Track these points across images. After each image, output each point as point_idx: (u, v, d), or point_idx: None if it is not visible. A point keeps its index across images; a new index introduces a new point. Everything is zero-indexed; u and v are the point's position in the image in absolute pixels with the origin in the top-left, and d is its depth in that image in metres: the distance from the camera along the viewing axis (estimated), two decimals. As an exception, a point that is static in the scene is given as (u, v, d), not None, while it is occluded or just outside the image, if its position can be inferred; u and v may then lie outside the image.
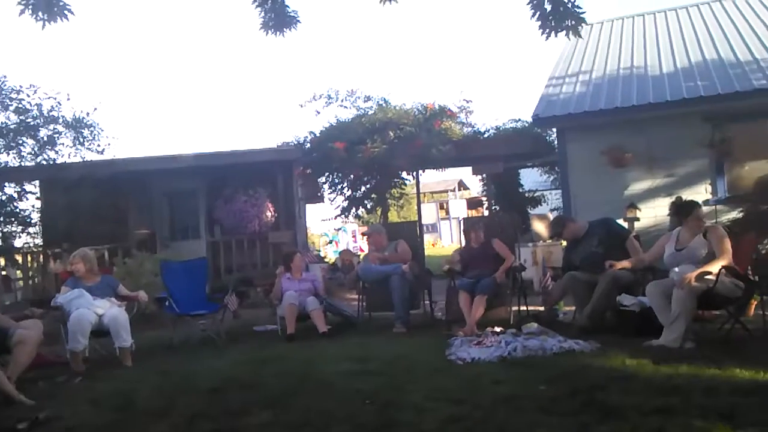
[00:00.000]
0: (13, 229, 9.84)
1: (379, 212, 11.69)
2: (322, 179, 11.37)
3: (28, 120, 9.61)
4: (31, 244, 10.62)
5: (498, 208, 11.50)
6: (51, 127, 9.87)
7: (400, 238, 6.78)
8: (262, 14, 4.88)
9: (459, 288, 5.73)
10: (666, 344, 4.29)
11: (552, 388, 3.56)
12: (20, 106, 9.55)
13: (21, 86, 9.62)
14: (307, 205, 14.36)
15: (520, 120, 10.83)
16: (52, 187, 10.25)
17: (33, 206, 10.34)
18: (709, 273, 4.36)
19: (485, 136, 10.66)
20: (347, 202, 11.34)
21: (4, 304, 7.64)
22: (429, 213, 35.26)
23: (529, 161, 11.10)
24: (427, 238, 28.97)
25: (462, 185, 41.01)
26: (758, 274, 4.83)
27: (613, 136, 7.62)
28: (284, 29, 4.94)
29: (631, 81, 8.37)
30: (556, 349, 4.56)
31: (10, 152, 9.59)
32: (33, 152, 9.75)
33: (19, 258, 9.63)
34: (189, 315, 6.10)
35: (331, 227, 21.98)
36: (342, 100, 11.07)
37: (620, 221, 6.61)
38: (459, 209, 37.47)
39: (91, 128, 10.28)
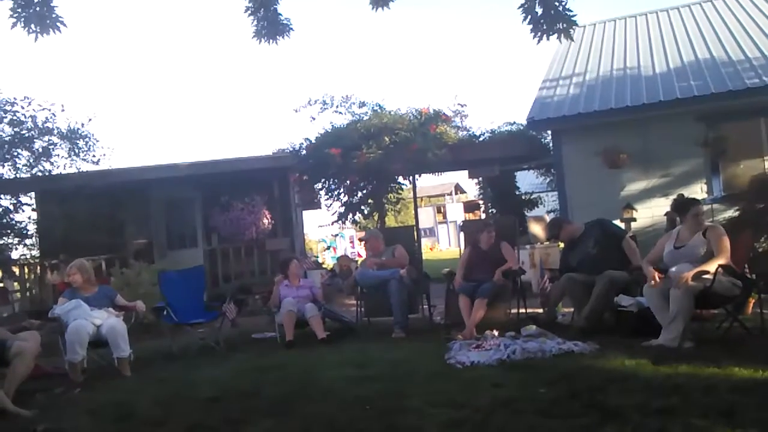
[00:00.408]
0: (10, 241, 9.85)
1: (376, 217, 11.70)
2: (319, 185, 11.38)
3: (23, 132, 9.63)
4: (28, 256, 10.62)
5: (495, 211, 11.52)
6: (46, 138, 9.90)
7: (398, 243, 6.78)
8: (255, 23, 4.91)
9: (459, 291, 5.72)
10: (665, 344, 4.30)
11: (552, 390, 3.56)
12: (15, 118, 9.58)
13: (15, 98, 9.67)
14: (304, 211, 14.37)
15: (515, 123, 10.87)
16: (48, 199, 10.26)
17: (29, 218, 10.35)
18: (707, 272, 4.38)
19: (480, 139, 10.69)
20: (344, 207, 11.34)
21: (1, 316, 7.62)
22: (426, 217, 35.30)
23: (525, 164, 11.12)
24: (425, 243, 28.99)
25: (459, 189, 41.04)
26: (755, 273, 4.84)
27: (608, 137, 7.65)
28: (277, 37, 4.97)
29: (625, 82, 8.41)
30: (555, 351, 4.56)
31: (6, 164, 9.62)
32: (28, 164, 9.77)
33: (16, 270, 9.62)
34: (187, 324, 6.09)
35: (329, 233, 22.00)
36: (337, 106, 11.10)
37: (617, 222, 6.62)
38: (456, 213, 37.52)
39: (86, 139, 10.32)
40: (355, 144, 9.78)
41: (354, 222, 12.36)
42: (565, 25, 4.42)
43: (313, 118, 11.21)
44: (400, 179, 11.72)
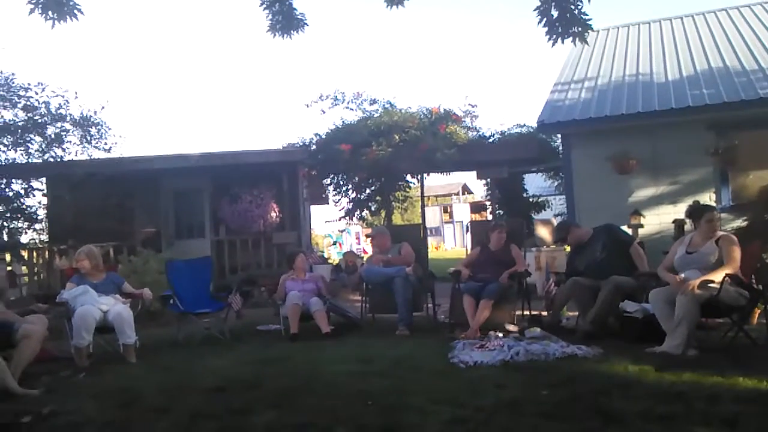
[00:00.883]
0: (20, 225, 9.90)
1: (383, 215, 11.73)
2: (327, 181, 11.42)
3: (36, 117, 9.67)
4: (37, 241, 10.68)
5: (502, 212, 11.52)
6: (58, 125, 9.93)
7: (404, 241, 6.80)
8: (270, 17, 4.93)
9: (464, 291, 5.73)
10: (669, 350, 4.30)
11: (554, 392, 3.58)
12: (28, 103, 9.62)
13: (29, 84, 9.71)
14: (311, 206, 14.40)
15: (525, 125, 10.85)
16: (58, 185, 10.32)
17: (39, 203, 10.41)
18: (713, 281, 4.38)
19: (490, 140, 10.68)
20: (352, 203, 11.38)
21: (9, 300, 7.68)
22: (433, 216, 35.24)
23: (534, 166, 11.10)
24: (431, 241, 28.96)
25: (466, 189, 41.00)
26: (762, 283, 4.83)
27: (618, 142, 7.62)
28: (291, 31, 4.98)
29: (637, 88, 8.37)
30: (559, 354, 4.57)
31: (18, 149, 9.66)
32: (40, 149, 9.81)
33: (24, 254, 9.68)
34: (193, 313, 6.13)
35: (336, 228, 22.02)
36: (348, 103, 11.13)
37: (624, 227, 6.61)
38: (462, 213, 37.46)
39: (99, 126, 10.35)
40: (365, 141, 9.79)
41: (361, 218, 12.40)
42: (580, 29, 4.41)
43: (323, 112, 11.25)
44: (408, 178, 11.74)
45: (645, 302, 4.91)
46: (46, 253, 10.14)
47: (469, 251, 6.74)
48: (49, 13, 4.36)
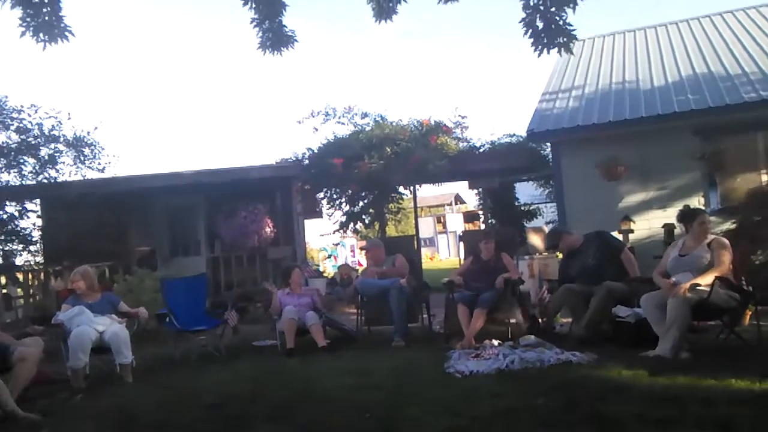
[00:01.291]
0: (14, 247, 9.87)
1: (377, 227, 11.76)
2: (321, 195, 11.45)
3: (29, 139, 9.67)
4: (32, 262, 10.63)
5: (494, 221, 11.58)
6: (52, 146, 9.92)
7: (398, 252, 6.83)
8: (260, 34, 4.97)
9: (458, 301, 5.76)
10: (662, 354, 4.33)
11: (550, 400, 3.60)
12: (21, 125, 9.62)
13: (22, 106, 9.70)
14: (305, 220, 14.43)
15: (514, 135, 10.94)
16: (52, 206, 10.29)
17: (34, 224, 10.37)
18: (705, 285, 4.43)
19: (481, 151, 10.77)
20: (345, 217, 11.41)
21: (5, 322, 7.65)
22: (426, 227, 35.30)
23: (525, 175, 11.17)
24: (425, 252, 28.98)
25: (458, 199, 41.10)
26: (752, 285, 4.88)
27: (607, 149, 7.71)
28: (282, 48, 5.03)
29: (623, 95, 8.48)
30: (554, 361, 4.61)
31: (12, 171, 9.63)
32: (34, 171, 9.79)
33: (20, 276, 9.64)
34: (189, 331, 6.12)
35: (330, 242, 22.00)
36: (339, 117, 11.20)
37: (615, 233, 6.67)
38: (456, 223, 37.53)
39: (92, 147, 10.34)
40: (357, 154, 9.86)
41: (355, 231, 12.42)
42: (565, 39, 4.48)
43: (316, 129, 11.32)
44: (401, 189, 11.80)
45: (637, 307, 4.94)
46: (42, 274, 10.10)
47: (462, 261, 6.77)
48: (41, 35, 4.39)
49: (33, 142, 9.69)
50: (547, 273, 7.85)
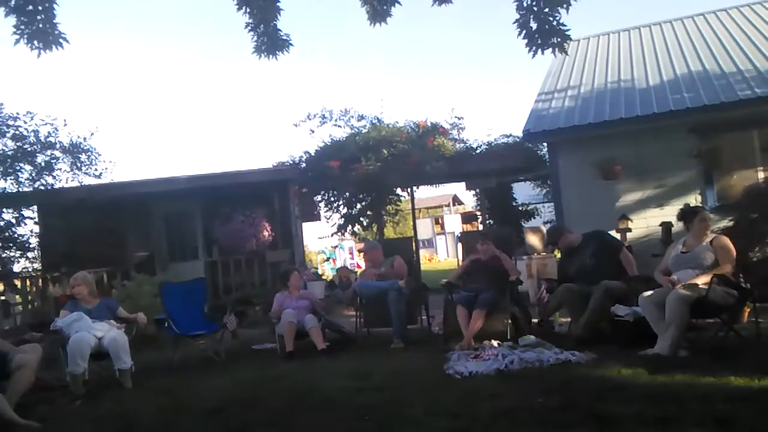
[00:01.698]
0: (12, 254, 9.87)
1: (375, 229, 11.77)
2: (318, 197, 11.47)
3: (26, 146, 9.68)
4: (30, 269, 10.63)
5: (492, 222, 11.59)
6: (48, 152, 9.95)
7: (396, 254, 6.83)
8: (255, 38, 4.98)
9: (456, 302, 5.75)
10: (660, 352, 4.34)
11: (550, 399, 3.60)
12: (17, 132, 9.63)
13: (18, 113, 9.72)
14: (303, 223, 14.44)
15: (511, 135, 10.98)
16: (50, 212, 10.29)
17: (31, 231, 10.38)
18: (703, 283, 4.44)
19: (477, 151, 10.80)
20: (343, 219, 11.43)
21: (3, 329, 7.64)
22: (424, 228, 35.33)
23: (522, 175, 11.21)
24: (423, 253, 28.98)
25: (456, 200, 41.19)
26: (750, 282, 4.90)
27: (603, 148, 7.73)
28: (277, 52, 5.04)
29: (619, 94, 8.50)
30: (553, 361, 4.61)
31: (8, 178, 9.65)
32: (31, 178, 9.80)
33: (18, 283, 9.63)
34: (188, 335, 6.11)
35: (328, 244, 22.03)
36: (336, 120, 11.25)
37: (612, 232, 6.68)
38: (454, 224, 37.58)
39: (89, 153, 10.36)
40: (354, 156, 9.88)
41: (353, 233, 12.44)
42: (559, 40, 4.49)
43: (312, 131, 11.36)
44: (399, 191, 11.82)
45: (635, 306, 4.95)
46: (40, 281, 10.09)
47: (461, 262, 6.76)
48: (35, 42, 4.39)
49: (29, 149, 9.70)
50: (545, 273, 7.86)
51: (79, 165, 10.27)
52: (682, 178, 7.64)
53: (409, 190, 11.84)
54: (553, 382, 4.01)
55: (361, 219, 11.51)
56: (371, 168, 9.63)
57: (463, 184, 11.78)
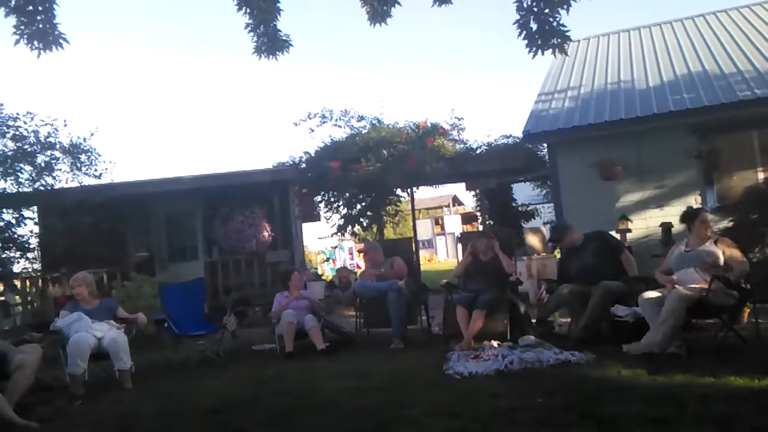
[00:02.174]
0: (12, 254, 9.87)
1: (374, 229, 11.78)
2: (318, 198, 11.48)
3: (26, 147, 9.69)
4: (30, 269, 10.63)
5: (492, 222, 11.60)
6: (48, 153, 9.96)
7: (396, 255, 6.83)
8: (255, 39, 4.99)
9: (456, 302, 5.75)
10: (649, 346, 4.32)
11: (549, 400, 3.61)
12: (17, 133, 9.64)
13: (18, 113, 9.74)
14: (303, 223, 14.45)
15: (511, 136, 11.00)
16: (50, 213, 10.29)
17: (31, 231, 10.38)
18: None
19: (477, 152, 10.81)
20: (343, 220, 11.44)
21: (3, 330, 7.64)
22: (424, 229, 35.32)
23: (522, 176, 11.21)
24: (423, 254, 28.99)
25: (456, 201, 41.20)
26: (750, 282, 4.90)
27: (603, 149, 7.73)
28: (277, 53, 5.05)
29: (619, 95, 8.51)
30: (553, 361, 4.61)
31: (8, 179, 9.66)
32: (31, 178, 9.81)
33: (17, 283, 9.63)
34: (188, 336, 6.11)
35: (328, 245, 22.04)
36: (336, 120, 11.25)
37: (612, 233, 6.69)
38: (454, 225, 37.60)
39: (89, 153, 10.37)
40: (354, 157, 9.88)
41: (353, 234, 12.45)
42: (559, 40, 4.50)
43: (312, 130, 11.36)
44: (399, 191, 11.82)
45: (635, 306, 4.95)
46: (39, 281, 10.10)
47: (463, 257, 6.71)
48: (35, 43, 4.39)
49: (29, 150, 9.71)
50: (545, 273, 7.86)
51: (79, 165, 10.29)
52: (682, 179, 7.64)
53: (408, 190, 11.84)
54: (553, 382, 4.01)
55: (361, 219, 11.51)
56: (371, 168, 9.63)
57: (463, 185, 11.80)
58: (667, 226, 7.07)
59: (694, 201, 7.45)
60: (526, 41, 4.51)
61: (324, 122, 11.25)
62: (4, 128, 9.57)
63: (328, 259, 22.03)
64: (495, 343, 5.27)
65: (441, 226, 39.40)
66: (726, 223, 6.60)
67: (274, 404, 4.05)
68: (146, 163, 70.67)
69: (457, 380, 4.38)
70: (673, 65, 9.08)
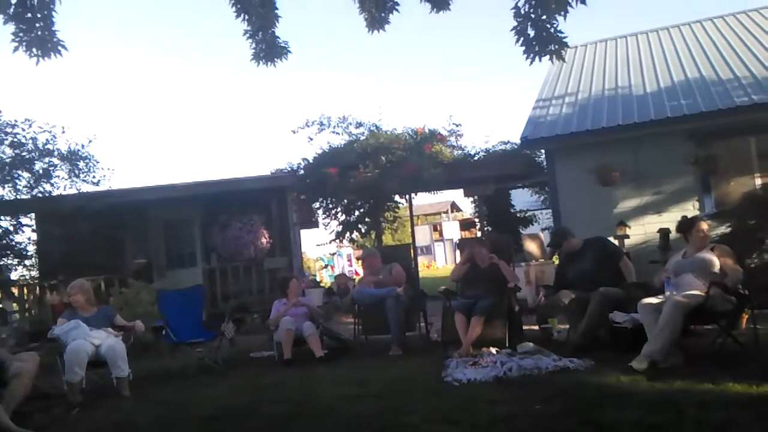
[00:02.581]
0: (9, 261, 9.85)
1: (373, 236, 11.77)
2: (316, 204, 11.48)
3: (24, 153, 9.70)
4: (27, 277, 10.62)
5: (490, 228, 11.60)
6: (46, 160, 9.97)
7: (395, 261, 6.83)
8: (254, 45, 4.99)
9: (455, 309, 5.74)
10: (650, 355, 4.30)
11: (548, 406, 3.60)
12: (15, 140, 9.65)
13: (16, 120, 9.75)
14: (302, 230, 14.44)
15: (509, 142, 11.01)
16: (47, 220, 10.29)
17: (29, 239, 10.37)
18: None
19: (475, 158, 10.82)
20: (341, 226, 11.43)
21: (1, 338, 7.60)
22: (423, 235, 35.32)
23: (520, 182, 11.23)
24: (422, 260, 28.98)
25: (454, 207, 41.22)
26: (748, 288, 4.90)
27: (601, 155, 7.75)
28: (275, 59, 5.05)
29: (616, 101, 8.54)
30: (551, 368, 4.60)
31: (6, 186, 9.66)
32: (29, 185, 9.82)
33: (15, 290, 9.61)
34: (186, 343, 6.10)
35: (327, 252, 21.99)
36: (334, 127, 11.25)
37: (610, 239, 6.69)
38: (452, 231, 37.60)
39: (87, 160, 10.38)
40: (352, 163, 9.89)
41: (351, 240, 12.44)
42: (556, 47, 4.50)
43: (311, 138, 11.36)
44: (397, 198, 11.83)
45: (633, 312, 4.95)
46: (37, 288, 10.07)
47: (460, 260, 6.69)
48: (33, 50, 4.38)
49: (27, 157, 9.72)
50: (543, 279, 7.86)
51: (77, 172, 10.29)
52: (679, 185, 7.65)
53: (407, 196, 11.84)
54: (552, 389, 4.00)
55: (360, 226, 11.51)
56: (369, 175, 9.63)
57: (461, 191, 11.80)
58: (665, 232, 7.07)
59: (692, 207, 7.46)
60: (523, 48, 4.51)
61: (322, 129, 11.26)
62: (2, 135, 9.57)
63: (326, 266, 21.99)
64: (493, 350, 5.26)
65: (439, 232, 39.41)
66: (724, 229, 6.60)
67: (273, 412, 4.03)
68: (144, 169, 70.74)
69: (455, 387, 4.37)
70: (670, 71, 9.12)
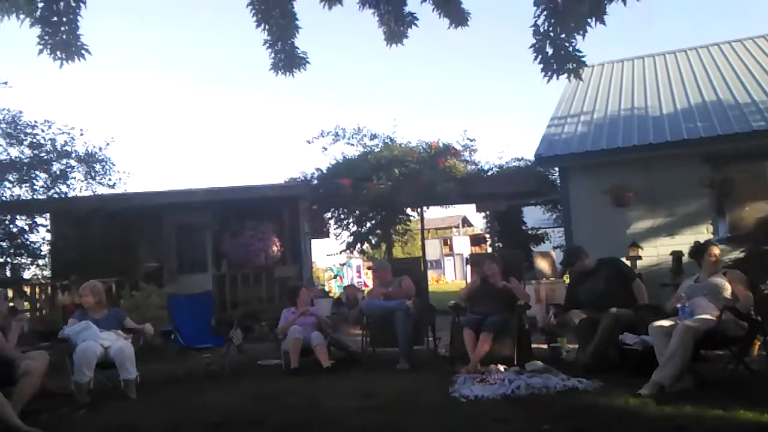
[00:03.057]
0: (23, 261, 9.94)
1: (383, 248, 11.78)
2: (328, 215, 11.51)
3: (42, 154, 9.81)
4: (40, 276, 10.70)
5: (501, 245, 11.57)
6: (64, 161, 10.06)
7: (405, 274, 6.82)
8: (273, 55, 5.04)
9: (464, 324, 5.72)
10: (661, 382, 4.26)
11: (555, 427, 3.57)
12: (34, 141, 9.76)
13: (36, 121, 9.86)
14: (312, 239, 14.48)
15: (523, 159, 11.01)
16: (62, 220, 10.39)
17: (43, 239, 10.46)
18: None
19: (489, 174, 10.82)
20: (352, 237, 11.46)
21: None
22: (433, 249, 35.19)
23: (532, 199, 11.20)
24: (431, 274, 28.89)
25: (466, 222, 41.12)
26: (761, 314, 4.84)
27: (615, 175, 7.72)
28: (294, 70, 5.10)
29: (632, 122, 8.51)
30: (560, 388, 4.56)
31: (23, 186, 9.76)
32: (45, 186, 9.91)
33: (27, 289, 9.69)
34: (194, 348, 6.13)
35: (337, 262, 22.02)
36: (349, 138, 11.32)
37: (623, 260, 6.64)
38: (463, 246, 37.46)
39: (103, 163, 10.47)
40: (366, 175, 9.93)
41: (362, 252, 12.46)
42: (574, 65, 4.48)
43: (325, 149, 11.43)
44: (409, 211, 11.84)
45: (644, 334, 4.90)
46: (49, 288, 10.15)
47: (472, 278, 6.67)
48: (57, 53, 4.44)
49: (45, 157, 9.82)
50: (554, 298, 7.81)
51: (93, 174, 10.38)
52: (693, 208, 7.60)
53: (419, 210, 11.86)
54: (560, 409, 3.98)
55: (370, 237, 11.52)
56: (382, 187, 9.66)
57: (473, 206, 11.77)
58: (677, 255, 7.01)
59: (705, 230, 7.40)
60: (541, 65, 4.51)
61: (337, 140, 11.34)
62: (22, 136, 9.69)
63: (335, 276, 22.00)
64: (502, 368, 5.23)
65: (450, 246, 39.27)
66: (738, 254, 6.54)
67: (278, 420, 4.03)
68: (160, 174, 71.24)
69: (462, 403, 4.35)
70: (687, 93, 9.08)
